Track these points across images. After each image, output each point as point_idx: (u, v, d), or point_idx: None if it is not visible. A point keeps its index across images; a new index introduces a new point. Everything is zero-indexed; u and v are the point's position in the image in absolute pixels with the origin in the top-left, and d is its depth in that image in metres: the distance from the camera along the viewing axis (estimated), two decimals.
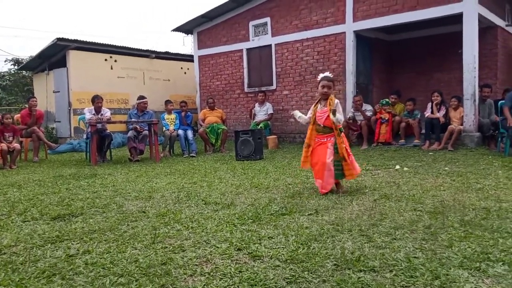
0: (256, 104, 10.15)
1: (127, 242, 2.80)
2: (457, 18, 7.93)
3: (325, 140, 4.18)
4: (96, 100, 7.74)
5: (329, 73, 4.38)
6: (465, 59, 7.89)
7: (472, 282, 2.00)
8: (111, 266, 2.39)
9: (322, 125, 4.19)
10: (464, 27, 7.81)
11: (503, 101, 7.03)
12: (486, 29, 9.01)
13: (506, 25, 9.65)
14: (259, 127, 9.20)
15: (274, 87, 10.61)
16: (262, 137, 7.91)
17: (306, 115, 4.42)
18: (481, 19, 8.12)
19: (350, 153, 4.23)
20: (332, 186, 4.20)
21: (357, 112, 8.98)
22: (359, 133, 8.88)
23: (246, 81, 11.14)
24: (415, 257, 2.33)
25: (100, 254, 2.60)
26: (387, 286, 1.99)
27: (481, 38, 8.29)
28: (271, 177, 5.42)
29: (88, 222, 3.37)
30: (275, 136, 9.62)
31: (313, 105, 4.33)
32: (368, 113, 8.89)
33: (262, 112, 9.94)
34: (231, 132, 9.53)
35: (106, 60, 12.12)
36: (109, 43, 12.36)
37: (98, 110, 7.82)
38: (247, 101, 11.18)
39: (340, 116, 4.12)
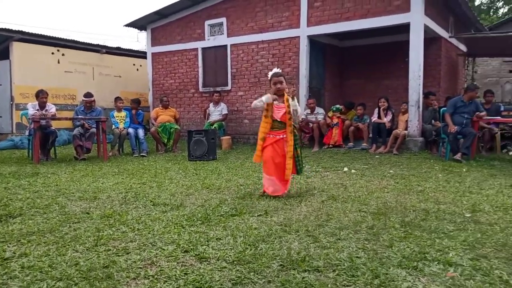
0: (211, 104, 10.08)
1: (68, 245, 2.69)
2: (405, 28, 8.31)
3: (281, 136, 4.17)
4: (41, 95, 7.35)
5: (277, 68, 4.38)
6: (411, 67, 8.28)
7: (409, 281, 2.10)
8: (49, 269, 2.28)
9: (278, 120, 4.14)
10: (411, 37, 8.20)
11: (445, 108, 7.43)
12: (431, 39, 9.50)
13: (449, 37, 10.24)
14: (213, 127, 9.14)
15: (229, 87, 10.59)
16: (215, 138, 7.86)
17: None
18: (427, 29, 8.56)
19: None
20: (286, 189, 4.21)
21: (310, 115, 9.16)
22: (311, 135, 9.07)
23: (201, 80, 11.04)
24: (357, 257, 2.41)
25: (38, 257, 2.47)
26: (329, 285, 2.04)
27: (426, 48, 8.74)
28: (223, 178, 5.40)
29: (26, 223, 3.20)
30: (229, 137, 9.61)
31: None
32: (320, 116, 9.10)
33: (216, 112, 9.89)
34: (184, 131, 9.41)
35: (53, 53, 11.55)
36: (56, 36, 11.81)
37: (42, 106, 7.43)
38: (202, 100, 11.08)
39: (299, 108, 4.23)
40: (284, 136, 4.17)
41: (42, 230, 3.01)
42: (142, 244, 2.66)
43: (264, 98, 4.13)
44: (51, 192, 4.44)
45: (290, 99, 4.14)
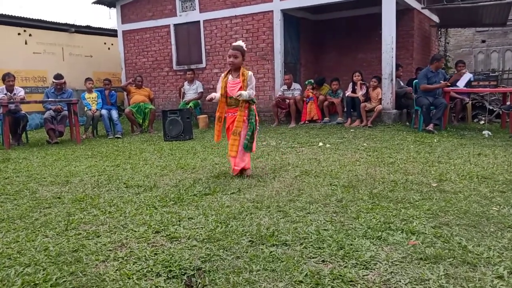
0: (185, 83, 9.95)
1: (38, 230, 2.67)
2: (378, 0, 8.28)
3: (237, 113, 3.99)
4: (7, 78, 7.12)
5: (242, 41, 4.13)
6: (383, 40, 8.30)
7: (373, 250, 2.17)
8: (18, 256, 2.27)
9: (234, 97, 3.95)
10: (383, 9, 8.19)
11: (417, 81, 7.52)
12: (404, 11, 9.53)
13: (422, 8, 10.27)
14: (188, 106, 9.05)
15: (203, 65, 10.45)
16: (191, 117, 7.80)
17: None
18: (399, 1, 8.56)
19: (258, 128, 4.15)
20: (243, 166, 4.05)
21: (286, 91, 9.15)
22: (288, 111, 9.08)
23: (174, 58, 10.83)
24: (324, 229, 2.47)
25: (7, 244, 2.46)
26: (296, 258, 2.10)
27: (399, 20, 8.75)
28: (198, 157, 5.40)
29: None
30: (205, 116, 9.53)
31: (222, 77, 4.05)
32: (297, 92, 9.10)
33: (191, 90, 9.77)
34: (160, 111, 9.29)
35: (19, 34, 11.10)
36: (22, 16, 11.34)
37: (10, 89, 7.21)
38: (176, 79, 10.91)
39: (250, 91, 3.93)
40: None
41: (11, 217, 2.98)
42: (113, 227, 2.67)
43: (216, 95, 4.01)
44: (22, 178, 4.37)
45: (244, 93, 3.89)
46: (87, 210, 3.08)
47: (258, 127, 4.17)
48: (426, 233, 2.40)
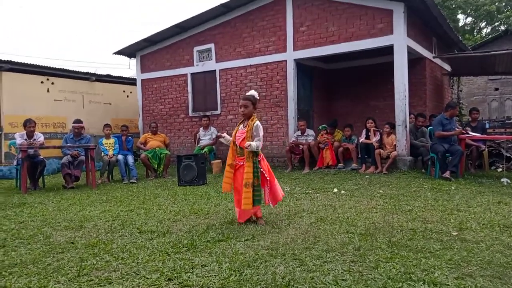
0: (201, 129, 10.12)
1: (50, 276, 2.64)
2: (389, 50, 8.48)
3: (242, 163, 3.94)
4: (28, 124, 7.35)
5: (254, 90, 4.15)
6: (396, 87, 8.41)
7: None
8: None
9: (238, 147, 3.98)
10: (395, 58, 8.36)
11: (431, 127, 7.51)
12: (415, 60, 9.71)
13: (433, 57, 10.46)
14: (203, 151, 9.14)
15: (218, 111, 10.66)
16: (205, 162, 7.85)
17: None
18: (410, 51, 8.75)
19: (267, 178, 3.95)
20: (250, 216, 3.99)
21: (300, 137, 9.21)
22: (301, 157, 9.09)
23: (190, 105, 11.11)
24: (343, 279, 2.39)
25: None
26: None
27: (411, 69, 8.90)
28: (212, 202, 5.37)
29: (9, 254, 3.15)
30: (219, 161, 9.58)
31: (238, 125, 4.13)
32: (310, 138, 9.15)
33: (206, 136, 9.91)
34: (175, 156, 9.39)
35: (42, 82, 11.59)
36: (46, 65, 11.88)
37: (30, 135, 7.41)
38: (192, 125, 11.12)
39: (256, 143, 3.83)
40: (245, 163, 3.89)
41: (24, 262, 2.96)
42: (125, 273, 2.62)
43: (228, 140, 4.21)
44: (36, 222, 4.38)
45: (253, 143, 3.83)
46: (100, 255, 3.05)
47: (267, 177, 3.98)
48: (449, 285, 2.30)
